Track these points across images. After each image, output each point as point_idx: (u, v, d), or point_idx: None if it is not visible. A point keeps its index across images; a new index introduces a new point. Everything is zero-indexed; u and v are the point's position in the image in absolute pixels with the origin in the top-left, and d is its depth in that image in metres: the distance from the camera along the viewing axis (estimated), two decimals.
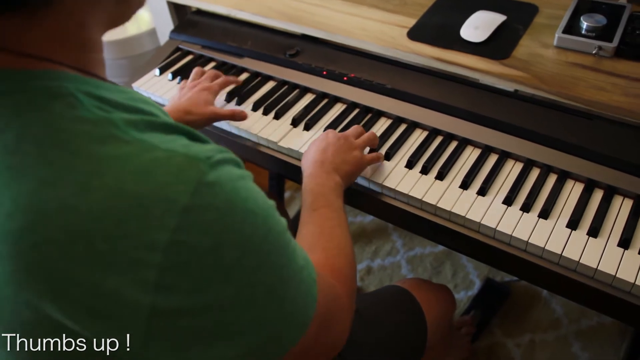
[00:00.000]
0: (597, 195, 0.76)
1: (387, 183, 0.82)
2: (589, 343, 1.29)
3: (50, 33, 0.41)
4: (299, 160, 0.90)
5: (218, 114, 0.90)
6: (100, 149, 0.38)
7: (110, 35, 1.59)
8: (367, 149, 0.85)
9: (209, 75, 0.98)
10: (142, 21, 1.66)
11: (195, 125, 0.88)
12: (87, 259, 0.37)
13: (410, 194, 0.80)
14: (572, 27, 0.93)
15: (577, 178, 0.79)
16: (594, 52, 0.88)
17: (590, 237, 0.71)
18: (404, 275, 1.50)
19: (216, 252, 0.39)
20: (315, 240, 0.65)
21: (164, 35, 1.28)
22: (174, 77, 1.09)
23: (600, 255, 0.69)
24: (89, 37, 0.44)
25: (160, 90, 1.07)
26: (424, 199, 0.79)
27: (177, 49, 1.18)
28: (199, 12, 1.24)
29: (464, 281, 1.46)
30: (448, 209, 0.77)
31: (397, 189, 0.81)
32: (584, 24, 0.90)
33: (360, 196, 0.85)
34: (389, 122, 0.93)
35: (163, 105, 1.05)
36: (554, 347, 1.30)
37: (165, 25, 1.27)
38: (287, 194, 1.76)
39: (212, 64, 1.12)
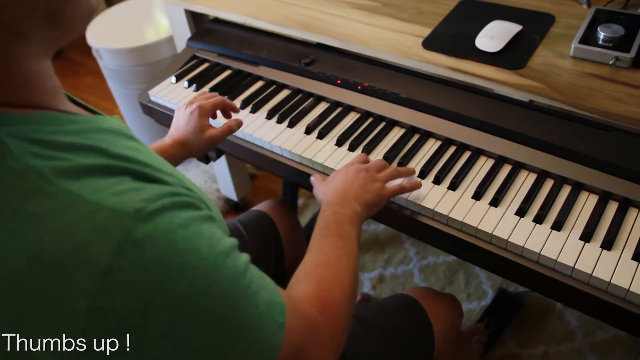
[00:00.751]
0: (612, 207, 0.76)
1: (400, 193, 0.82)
2: (604, 356, 1.27)
3: None
4: (312, 168, 0.91)
5: (215, 136, 0.85)
6: (23, 205, 0.36)
7: (129, 43, 1.61)
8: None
9: (202, 96, 0.91)
10: (160, 28, 1.69)
11: (195, 153, 0.86)
12: (9, 322, 0.36)
13: (422, 204, 0.79)
14: (589, 37, 0.92)
15: (591, 190, 0.78)
16: (610, 62, 0.88)
17: (603, 250, 0.71)
18: (417, 284, 1.49)
19: (144, 315, 0.37)
20: (314, 269, 0.62)
21: (181, 43, 1.30)
22: (190, 85, 1.11)
23: (614, 268, 0.68)
24: (26, 72, 0.41)
25: (176, 97, 1.09)
26: (436, 209, 0.78)
27: (194, 57, 1.19)
28: (216, 20, 1.25)
29: (477, 291, 1.45)
30: (460, 219, 0.77)
31: (409, 199, 0.81)
32: (601, 34, 0.90)
33: None
34: (403, 131, 0.93)
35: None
36: None
37: (182, 33, 1.29)
38: (300, 201, 1.76)
39: (228, 72, 1.13)
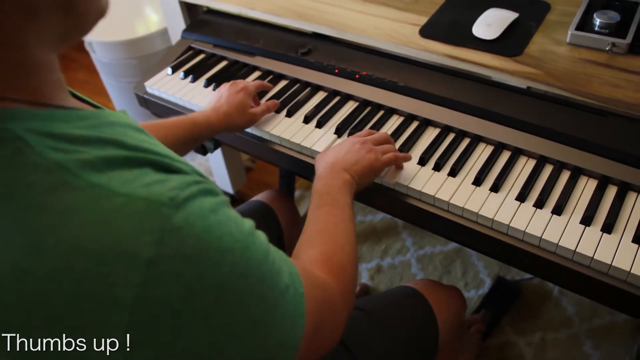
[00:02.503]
0: (611, 192, 0.76)
1: (399, 180, 0.82)
2: (601, 342, 1.29)
3: None
4: (311, 157, 0.91)
5: (256, 114, 0.92)
6: (51, 200, 0.35)
7: (122, 35, 1.60)
8: None
9: (243, 81, 0.97)
10: (154, 21, 1.67)
11: (236, 129, 0.91)
12: (48, 324, 0.35)
13: (423, 190, 0.80)
14: (585, 24, 0.92)
15: (590, 174, 0.79)
16: (607, 48, 0.88)
17: (604, 233, 0.71)
18: (414, 274, 1.50)
19: (190, 300, 0.37)
20: (316, 236, 0.64)
21: (175, 35, 1.29)
22: (186, 76, 1.10)
23: (615, 251, 0.69)
24: (35, 59, 0.39)
25: (172, 89, 1.08)
26: (437, 196, 0.79)
27: (189, 48, 1.18)
28: (211, 11, 1.24)
29: (475, 280, 1.45)
30: (461, 205, 0.77)
31: (410, 185, 0.81)
32: (597, 21, 0.90)
33: (372, 193, 0.85)
34: (401, 119, 0.93)
35: (174, 104, 1.06)
36: (565, 346, 1.29)
37: (177, 25, 1.28)
38: (297, 193, 1.76)
39: (224, 63, 1.13)
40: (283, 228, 1.04)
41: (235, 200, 1.81)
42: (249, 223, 0.45)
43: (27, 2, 0.36)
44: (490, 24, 0.96)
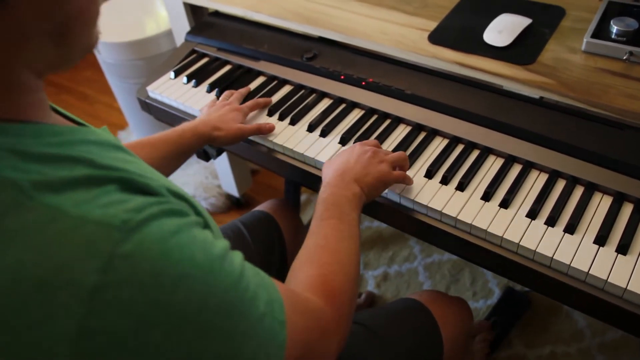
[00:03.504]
0: (627, 209, 0.73)
1: (405, 193, 0.79)
2: (613, 357, 1.25)
3: None
4: (315, 167, 0.88)
5: (244, 130, 0.89)
6: (1, 222, 0.34)
7: (127, 36, 1.58)
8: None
9: (236, 97, 0.97)
10: (160, 22, 1.65)
11: (221, 141, 0.88)
12: None
13: (429, 205, 0.77)
14: (601, 31, 0.89)
15: (605, 191, 0.75)
16: (624, 57, 0.84)
17: (619, 254, 0.68)
18: (421, 282, 1.47)
19: (141, 332, 0.35)
20: (316, 253, 0.60)
21: (180, 37, 1.26)
22: (188, 81, 1.08)
23: (630, 273, 0.66)
24: (17, 81, 0.39)
25: (174, 93, 1.06)
26: (443, 211, 0.76)
27: (193, 51, 1.16)
28: (216, 13, 1.22)
29: (483, 289, 1.42)
30: (469, 221, 0.74)
31: (415, 199, 0.78)
32: (614, 28, 0.86)
33: (376, 205, 0.82)
34: (408, 129, 0.90)
35: (175, 110, 1.04)
36: None
37: (181, 27, 1.26)
38: (303, 197, 1.74)
39: (228, 67, 1.10)
40: (286, 240, 1.02)
41: (241, 203, 1.79)
42: (221, 245, 0.42)
43: (20, 27, 0.36)
44: (501, 30, 0.93)
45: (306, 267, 0.59)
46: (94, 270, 0.34)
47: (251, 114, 0.97)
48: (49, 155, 0.38)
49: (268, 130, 0.92)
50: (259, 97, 1.00)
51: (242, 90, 1.00)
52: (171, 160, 0.83)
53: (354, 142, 0.88)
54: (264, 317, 0.43)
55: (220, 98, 0.98)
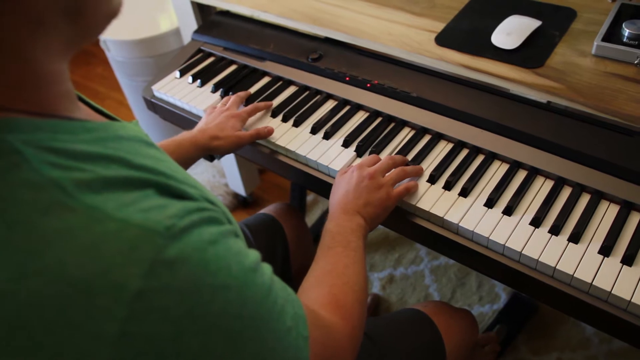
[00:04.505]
0: (634, 219, 0.71)
1: (407, 199, 0.78)
2: None
3: None
4: (318, 171, 0.87)
5: (242, 138, 0.88)
6: (42, 221, 0.33)
7: (136, 34, 1.58)
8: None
9: (234, 101, 0.95)
10: (168, 20, 1.65)
11: (221, 151, 0.87)
12: (28, 351, 0.33)
13: (431, 211, 0.75)
14: (612, 35, 0.87)
15: (612, 199, 0.73)
16: (636, 62, 0.82)
17: (624, 266, 0.66)
18: (427, 285, 1.45)
19: (178, 340, 0.35)
20: (324, 276, 0.62)
21: (187, 36, 1.26)
22: (194, 80, 1.07)
23: (635, 285, 0.64)
24: (42, 70, 0.38)
25: (179, 93, 1.05)
26: (445, 217, 0.74)
27: (199, 51, 1.16)
28: (223, 12, 1.21)
29: (490, 294, 1.40)
30: (471, 229, 0.72)
31: (418, 205, 0.77)
32: (626, 32, 0.84)
33: None
34: (413, 132, 0.88)
35: (181, 109, 1.04)
36: None
37: (189, 25, 1.25)
38: (310, 197, 1.73)
39: (233, 67, 1.10)
40: (290, 243, 1.01)
41: (248, 202, 1.79)
42: (253, 256, 0.43)
43: (31, 13, 0.35)
44: (510, 32, 0.91)
45: (315, 288, 0.61)
46: (137, 275, 0.33)
47: (254, 117, 0.96)
48: (86, 153, 0.37)
49: (267, 134, 0.91)
50: (263, 98, 1.00)
51: (242, 94, 0.98)
52: None
53: (357, 145, 0.87)
54: (290, 331, 0.44)
55: (219, 104, 0.96)
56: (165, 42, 1.60)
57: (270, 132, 0.91)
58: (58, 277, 0.33)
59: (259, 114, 0.96)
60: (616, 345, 1.26)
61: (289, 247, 1.01)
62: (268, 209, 1.08)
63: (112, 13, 0.41)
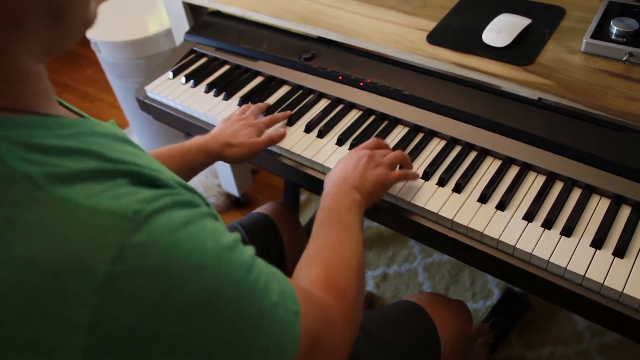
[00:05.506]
0: (625, 212, 0.72)
1: (401, 195, 0.78)
2: (612, 358, 1.24)
3: None
4: (312, 169, 0.88)
5: (256, 145, 0.85)
6: (13, 214, 0.34)
7: (127, 35, 1.58)
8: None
9: (253, 111, 0.93)
10: (160, 21, 1.65)
11: (233, 159, 0.85)
12: (3, 345, 0.33)
13: (426, 207, 0.76)
14: (601, 32, 0.88)
15: (603, 193, 0.74)
16: (624, 58, 0.84)
17: (616, 258, 0.67)
18: (421, 282, 1.46)
19: (152, 323, 0.35)
20: (318, 253, 0.61)
21: (179, 36, 1.26)
22: (187, 81, 1.08)
23: (627, 277, 0.65)
24: (19, 69, 0.39)
25: (172, 93, 1.06)
26: (440, 213, 0.75)
27: (192, 51, 1.16)
28: (215, 13, 1.22)
29: (483, 290, 1.42)
30: (465, 224, 0.73)
31: (412, 201, 0.77)
32: (614, 29, 0.86)
33: (374, 207, 0.82)
34: (406, 130, 0.89)
35: (174, 110, 1.04)
36: None
37: (181, 26, 1.26)
38: (303, 197, 1.73)
39: (226, 67, 1.10)
40: (285, 242, 1.02)
41: (241, 203, 1.79)
42: (231, 237, 0.43)
43: (12, 14, 0.36)
44: (500, 30, 0.92)
45: (309, 267, 0.60)
46: (106, 259, 0.34)
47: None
48: (60, 148, 0.38)
49: (279, 139, 0.89)
50: (256, 98, 1.00)
51: (261, 105, 0.96)
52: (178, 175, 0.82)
53: (351, 143, 0.88)
54: (277, 306, 0.43)
55: (237, 112, 0.94)
56: (156, 43, 1.59)
57: (282, 135, 0.90)
58: (27, 266, 0.33)
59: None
60: (608, 339, 1.27)
61: (284, 246, 1.01)
62: (262, 208, 1.08)
63: (87, 22, 0.42)
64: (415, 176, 0.79)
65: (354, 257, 0.62)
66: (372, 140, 0.81)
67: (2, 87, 0.38)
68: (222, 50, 1.12)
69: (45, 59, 0.42)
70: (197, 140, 0.84)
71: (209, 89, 1.04)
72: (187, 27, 1.24)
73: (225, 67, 1.10)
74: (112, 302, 0.34)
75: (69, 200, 0.35)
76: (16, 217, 0.34)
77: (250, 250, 0.45)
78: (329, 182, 0.73)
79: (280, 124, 0.94)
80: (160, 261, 0.35)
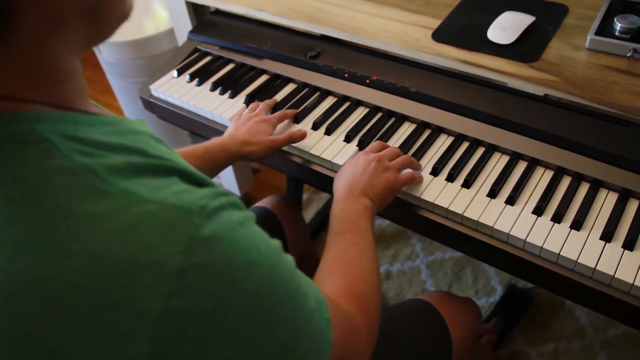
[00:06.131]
0: (633, 206, 0.73)
1: (411, 191, 0.79)
2: (616, 354, 1.25)
3: (11, 68, 0.36)
4: (320, 165, 0.88)
5: (277, 142, 0.85)
6: (80, 205, 0.34)
7: (128, 35, 1.58)
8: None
9: (262, 108, 0.93)
10: (160, 21, 1.65)
11: (254, 156, 0.84)
12: (71, 333, 0.33)
13: (436, 202, 0.77)
14: (604, 29, 0.89)
15: (610, 187, 0.75)
16: (628, 54, 0.85)
17: (625, 250, 0.68)
18: (424, 280, 1.47)
19: (216, 316, 0.36)
20: (337, 265, 0.62)
21: (182, 36, 1.26)
22: (192, 79, 1.08)
23: (637, 269, 0.66)
24: (61, 66, 0.39)
25: (178, 92, 1.06)
26: (450, 208, 0.76)
27: (196, 50, 1.16)
28: (218, 12, 1.22)
29: (485, 287, 1.42)
30: (475, 218, 0.74)
31: (422, 197, 0.78)
32: (618, 25, 0.87)
33: None
34: (413, 127, 0.90)
35: (179, 108, 1.04)
36: (579, 357, 1.26)
37: (183, 26, 1.26)
38: (305, 196, 1.74)
39: (231, 66, 1.10)
40: (287, 237, 1.01)
41: (243, 202, 1.79)
42: (275, 242, 0.44)
43: (54, 12, 0.36)
44: (505, 28, 0.93)
45: (329, 278, 0.60)
46: (177, 252, 0.34)
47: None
48: (108, 144, 0.38)
49: (300, 138, 0.88)
50: (262, 95, 1.00)
51: (269, 102, 0.96)
52: None
53: (359, 140, 0.88)
54: (315, 313, 0.45)
55: (247, 110, 0.94)
56: (158, 43, 1.59)
57: (303, 135, 0.88)
58: (99, 257, 0.33)
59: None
60: (610, 334, 1.28)
61: (286, 240, 1.01)
62: (264, 202, 1.08)
63: (123, 16, 0.43)
64: (421, 178, 0.80)
65: (372, 267, 0.63)
66: (376, 143, 0.81)
67: (47, 85, 0.39)
68: (226, 49, 1.12)
69: (82, 53, 0.42)
70: (214, 140, 0.83)
71: (214, 87, 1.05)
72: (189, 27, 1.24)
73: (230, 66, 1.10)
74: (183, 294, 0.34)
75: (133, 193, 0.35)
76: (83, 210, 0.34)
77: (290, 256, 0.46)
78: (339, 187, 0.74)
79: (289, 118, 0.94)
80: (223, 256, 0.36)
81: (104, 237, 0.34)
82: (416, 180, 0.79)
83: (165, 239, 0.34)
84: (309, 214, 1.68)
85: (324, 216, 1.63)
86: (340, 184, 0.74)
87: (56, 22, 0.37)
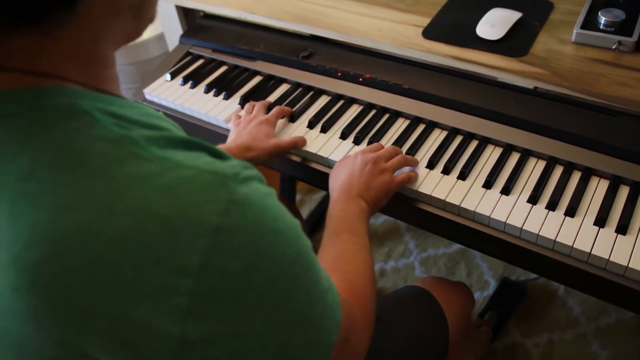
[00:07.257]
0: (624, 192, 0.75)
1: (408, 184, 0.80)
2: (609, 341, 1.28)
3: (65, 49, 0.39)
4: (318, 163, 0.90)
5: (280, 145, 0.86)
6: (121, 170, 0.36)
7: None
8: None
9: (259, 108, 0.93)
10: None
11: (258, 161, 0.84)
12: (113, 287, 0.35)
13: (433, 194, 0.78)
14: (589, 23, 0.92)
15: (602, 175, 0.78)
16: (613, 47, 0.87)
17: (619, 235, 0.70)
18: (418, 277, 1.48)
19: (248, 276, 0.37)
20: (336, 262, 0.63)
21: (172, 40, 1.27)
22: (185, 82, 1.08)
23: (631, 252, 0.68)
24: (103, 53, 0.42)
25: (172, 95, 1.06)
26: (447, 200, 0.77)
27: (188, 54, 1.17)
28: (209, 16, 1.23)
29: (479, 281, 1.44)
30: (472, 209, 0.76)
31: (419, 190, 0.79)
32: (602, 19, 0.89)
33: None
34: (407, 122, 0.91)
35: (174, 111, 1.05)
36: (573, 346, 1.28)
37: (174, 30, 1.26)
38: (297, 197, 1.75)
39: (224, 68, 1.11)
40: None
41: None
42: (295, 219, 0.46)
43: (115, 3, 0.40)
44: (494, 24, 0.95)
45: (329, 274, 0.61)
46: (214, 212, 0.36)
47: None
48: (140, 121, 0.40)
49: (303, 144, 0.89)
50: (256, 96, 1.01)
51: (264, 102, 0.97)
52: None
53: (354, 137, 0.89)
54: (328, 291, 0.47)
55: (244, 112, 0.95)
56: (147, 49, 1.60)
57: (305, 141, 0.89)
58: (142, 214, 0.35)
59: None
60: (602, 323, 1.31)
61: None
62: None
63: (152, 19, 0.47)
64: (417, 177, 0.81)
65: (367, 266, 0.65)
66: (374, 145, 0.83)
67: (88, 68, 0.41)
68: (219, 52, 1.13)
69: (119, 47, 0.45)
70: (220, 147, 0.84)
71: (208, 89, 1.05)
72: (180, 31, 1.24)
73: (223, 68, 1.11)
74: (219, 252, 0.36)
75: (171, 160, 0.38)
76: (125, 173, 0.36)
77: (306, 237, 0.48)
78: (336, 187, 0.75)
79: (285, 114, 0.95)
80: (255, 220, 0.38)
81: (146, 196, 0.36)
82: (412, 180, 0.80)
83: (203, 199, 0.36)
84: (302, 215, 1.69)
85: (317, 217, 1.64)
86: (337, 185, 0.76)
87: (114, 12, 0.40)
